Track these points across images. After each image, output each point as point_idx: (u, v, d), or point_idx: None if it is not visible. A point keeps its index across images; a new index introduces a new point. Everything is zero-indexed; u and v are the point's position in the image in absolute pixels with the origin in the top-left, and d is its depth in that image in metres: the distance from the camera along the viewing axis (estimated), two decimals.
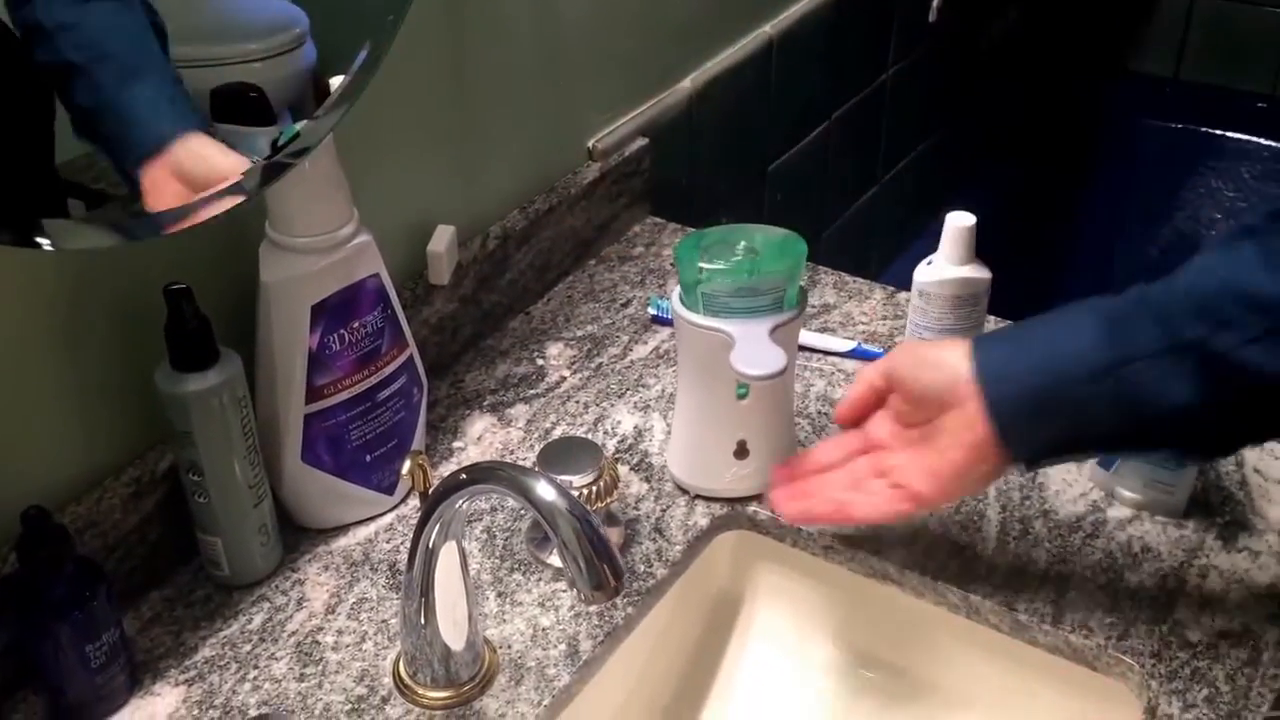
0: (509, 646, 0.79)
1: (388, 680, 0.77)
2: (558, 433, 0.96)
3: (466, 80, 1.00)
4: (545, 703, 0.76)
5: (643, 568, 0.85)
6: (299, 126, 0.76)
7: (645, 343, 1.07)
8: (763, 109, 1.42)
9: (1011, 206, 1.94)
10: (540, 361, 1.05)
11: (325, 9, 0.79)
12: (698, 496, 0.90)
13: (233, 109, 0.75)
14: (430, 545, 0.70)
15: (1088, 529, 0.87)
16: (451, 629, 0.74)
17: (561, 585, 0.83)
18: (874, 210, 1.79)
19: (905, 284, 1.00)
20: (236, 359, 0.78)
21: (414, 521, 0.75)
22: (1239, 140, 2.16)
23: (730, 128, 1.36)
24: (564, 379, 1.02)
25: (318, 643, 0.79)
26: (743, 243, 0.83)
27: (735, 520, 0.90)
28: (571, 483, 0.80)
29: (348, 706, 0.75)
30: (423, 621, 0.72)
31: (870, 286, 1.14)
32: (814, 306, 1.10)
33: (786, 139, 1.50)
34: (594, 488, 0.81)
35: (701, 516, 0.89)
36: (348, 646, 0.79)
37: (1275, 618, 0.80)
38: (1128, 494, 0.89)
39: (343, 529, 0.88)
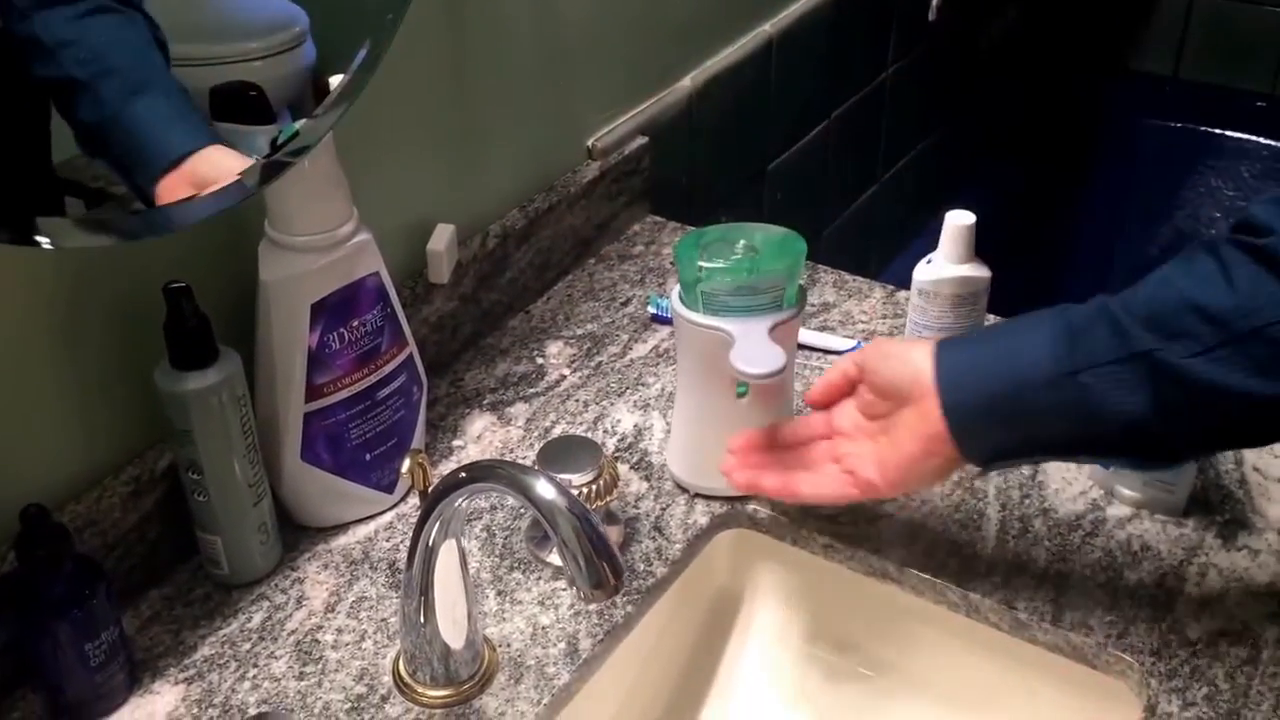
0: (508, 645, 0.79)
1: (387, 679, 0.77)
2: (557, 431, 0.96)
3: (466, 79, 1.00)
4: (545, 701, 0.76)
5: (642, 566, 0.85)
6: (298, 125, 0.76)
7: (645, 341, 1.07)
8: (762, 108, 1.42)
9: (1011, 205, 1.94)
10: (540, 360, 1.05)
11: (325, 8, 0.79)
12: (697, 495, 0.90)
13: (232, 108, 0.75)
14: (430, 544, 0.70)
15: (1087, 527, 0.87)
16: (451, 627, 0.74)
17: (561, 584, 0.83)
18: (874, 209, 1.79)
19: (905, 283, 1.00)
20: (236, 357, 0.78)
21: (413, 520, 0.75)
22: (1238, 139, 2.16)
23: (730, 127, 1.36)
24: (564, 377, 1.02)
25: (317, 641, 0.79)
26: (742, 241, 0.83)
27: (735, 519, 0.90)
28: (571, 481, 0.80)
29: (347, 705, 0.75)
30: (422, 620, 0.72)
31: (870, 285, 1.14)
32: (813, 305, 1.10)
33: (786, 138, 1.50)
34: (593, 486, 0.81)
35: (701, 515, 0.89)
36: (347, 645, 0.79)
37: (1275, 616, 0.80)
38: (1127, 492, 0.89)
39: (342, 528, 0.88)
